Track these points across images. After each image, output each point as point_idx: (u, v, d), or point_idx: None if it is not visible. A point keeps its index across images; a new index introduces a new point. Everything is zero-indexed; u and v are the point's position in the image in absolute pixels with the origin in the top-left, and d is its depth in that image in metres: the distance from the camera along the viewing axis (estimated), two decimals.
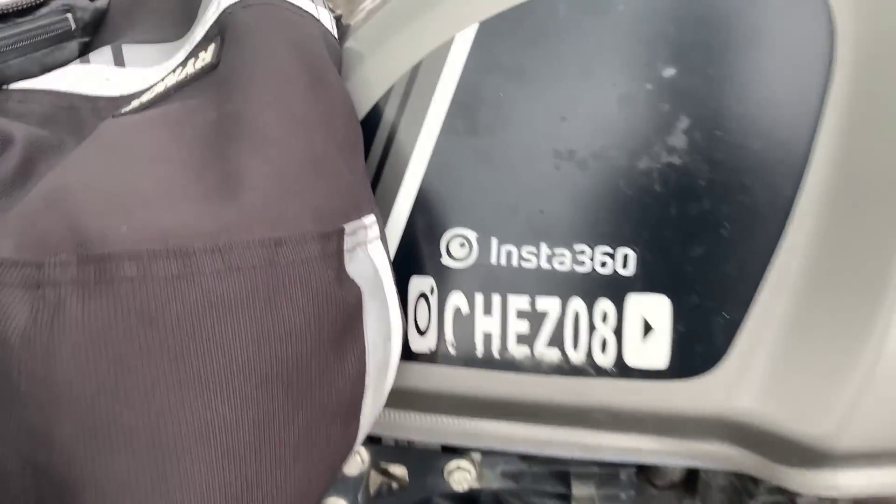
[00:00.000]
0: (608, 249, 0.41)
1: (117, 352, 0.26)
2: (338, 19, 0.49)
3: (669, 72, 0.39)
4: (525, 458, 0.58)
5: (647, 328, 0.41)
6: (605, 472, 0.57)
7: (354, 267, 0.35)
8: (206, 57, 0.40)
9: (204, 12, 0.44)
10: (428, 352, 0.44)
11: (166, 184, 0.31)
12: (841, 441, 0.39)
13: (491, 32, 0.40)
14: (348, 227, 0.35)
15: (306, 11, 0.43)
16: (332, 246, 0.33)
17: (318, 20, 0.44)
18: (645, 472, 0.64)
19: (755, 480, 0.56)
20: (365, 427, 0.38)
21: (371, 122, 0.43)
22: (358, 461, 0.58)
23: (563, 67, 0.40)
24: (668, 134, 0.39)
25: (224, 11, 0.40)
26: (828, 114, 0.39)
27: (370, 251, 0.38)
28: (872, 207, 0.38)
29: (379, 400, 0.39)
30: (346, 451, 0.36)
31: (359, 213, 0.37)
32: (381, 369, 0.38)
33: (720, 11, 0.39)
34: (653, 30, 0.39)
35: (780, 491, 0.56)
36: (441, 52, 0.41)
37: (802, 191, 0.39)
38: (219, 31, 0.40)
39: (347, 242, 0.34)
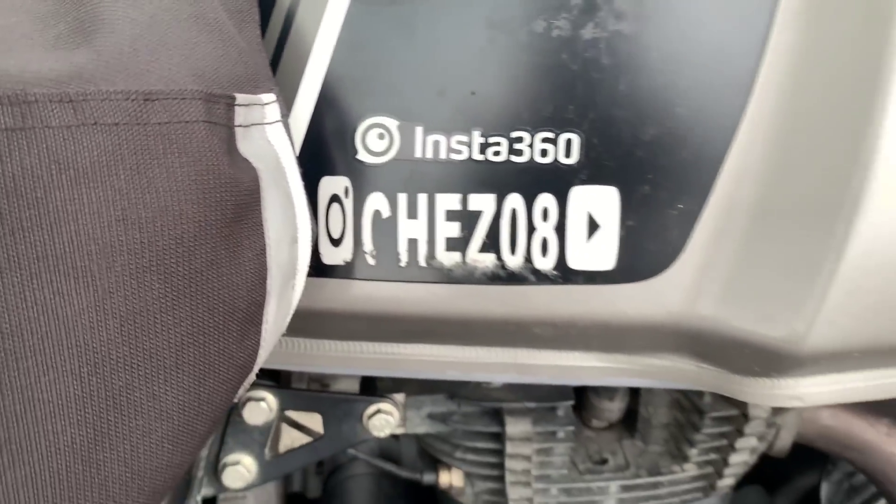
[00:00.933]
0: (549, 135, 0.36)
1: None
2: None
3: None
4: (454, 397, 0.54)
5: (593, 225, 0.37)
6: (541, 408, 0.53)
7: (250, 147, 0.30)
8: None
9: None
10: (343, 264, 0.39)
11: (3, 32, 0.25)
12: (809, 341, 0.35)
13: None
14: (241, 97, 0.30)
15: None
16: (220, 113, 0.29)
17: None
18: (580, 414, 0.61)
19: (700, 412, 0.53)
20: (267, 343, 0.32)
21: None
22: (264, 408, 0.52)
23: None
24: None
25: None
26: None
27: (269, 134, 0.33)
28: (840, 79, 0.34)
29: (284, 313, 0.34)
30: (243, 369, 0.30)
31: (254, 88, 0.32)
32: (287, 275, 0.33)
33: None
34: None
35: (728, 421, 0.53)
36: None
37: (765, 60, 0.35)
38: None
39: (240, 115, 0.30)
